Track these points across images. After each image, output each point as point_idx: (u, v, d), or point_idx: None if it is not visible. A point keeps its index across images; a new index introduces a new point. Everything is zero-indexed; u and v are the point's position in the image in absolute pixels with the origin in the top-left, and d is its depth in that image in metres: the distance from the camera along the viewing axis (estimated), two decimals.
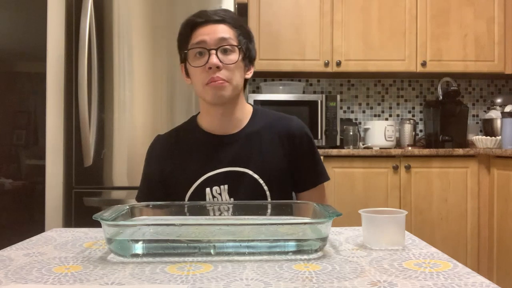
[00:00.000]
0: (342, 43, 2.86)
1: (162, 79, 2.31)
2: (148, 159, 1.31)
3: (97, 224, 0.84)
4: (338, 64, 2.84)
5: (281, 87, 2.93)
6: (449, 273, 0.70)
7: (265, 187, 1.21)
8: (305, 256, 0.79)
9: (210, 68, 1.14)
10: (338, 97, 2.78)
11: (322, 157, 1.48)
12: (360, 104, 3.25)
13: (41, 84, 2.35)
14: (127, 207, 0.97)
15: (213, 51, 1.15)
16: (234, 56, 1.18)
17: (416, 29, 2.87)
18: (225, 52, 1.17)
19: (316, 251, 0.81)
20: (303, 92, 3.06)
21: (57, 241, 0.94)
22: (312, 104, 2.75)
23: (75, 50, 2.26)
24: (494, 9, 2.89)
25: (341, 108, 3.21)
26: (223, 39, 1.17)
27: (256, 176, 1.21)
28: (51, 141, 2.30)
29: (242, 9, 2.67)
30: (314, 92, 3.21)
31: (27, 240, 0.95)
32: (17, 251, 0.85)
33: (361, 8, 2.86)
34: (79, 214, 2.28)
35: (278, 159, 1.24)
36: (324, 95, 2.76)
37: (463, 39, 2.88)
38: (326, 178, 1.31)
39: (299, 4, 2.86)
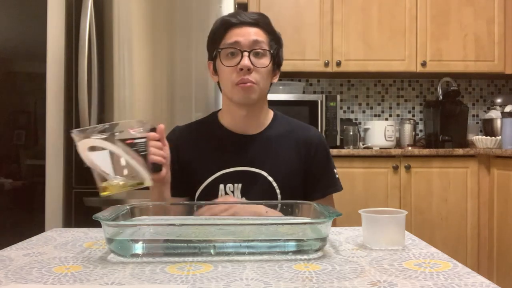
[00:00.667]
0: (342, 43, 2.86)
1: (162, 79, 2.31)
2: None
3: (97, 224, 0.84)
4: (338, 64, 2.84)
5: (281, 87, 2.93)
6: (449, 273, 0.70)
7: (278, 190, 1.23)
8: (305, 256, 0.79)
9: (241, 69, 1.17)
10: (338, 97, 2.78)
11: None
12: (360, 104, 3.25)
13: (41, 84, 2.35)
14: (127, 207, 0.97)
15: (246, 53, 1.17)
16: (265, 60, 1.20)
17: (416, 29, 2.87)
18: (257, 55, 1.19)
19: (316, 251, 0.81)
20: (303, 92, 3.06)
21: (57, 241, 0.94)
22: (312, 104, 2.75)
23: (75, 50, 2.26)
24: (494, 9, 2.88)
25: (341, 108, 3.21)
26: (256, 42, 1.19)
27: (270, 178, 1.23)
28: (51, 141, 2.30)
29: (242, 9, 2.66)
30: (314, 92, 3.21)
31: (27, 240, 0.95)
32: (17, 251, 0.85)
33: (361, 8, 2.86)
34: (79, 214, 2.28)
35: (293, 164, 1.26)
36: (324, 95, 2.75)
37: (463, 39, 2.88)
38: (337, 189, 1.32)
39: (299, 4, 2.85)
